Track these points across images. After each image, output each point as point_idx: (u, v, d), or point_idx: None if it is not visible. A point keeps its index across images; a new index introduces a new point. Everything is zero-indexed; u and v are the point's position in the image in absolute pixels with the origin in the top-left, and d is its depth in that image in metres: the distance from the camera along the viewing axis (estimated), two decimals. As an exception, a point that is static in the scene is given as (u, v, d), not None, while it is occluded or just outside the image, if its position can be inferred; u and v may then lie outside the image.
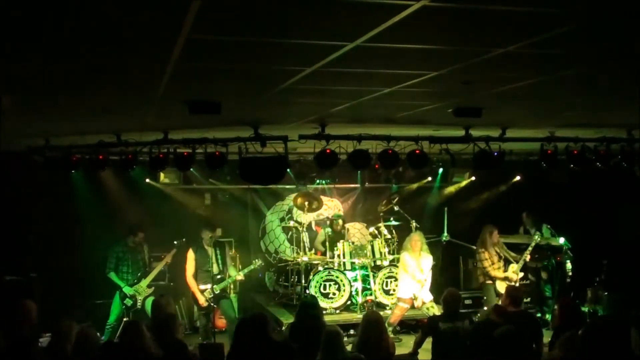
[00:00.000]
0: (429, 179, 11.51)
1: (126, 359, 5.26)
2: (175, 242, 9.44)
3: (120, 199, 10.08)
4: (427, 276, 8.88)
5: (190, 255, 8.74)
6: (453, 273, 10.91)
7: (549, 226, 10.47)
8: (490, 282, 9.08)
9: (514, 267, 9.12)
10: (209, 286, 8.63)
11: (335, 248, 10.23)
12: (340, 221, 10.85)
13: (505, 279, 8.94)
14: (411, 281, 8.79)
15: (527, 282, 10.26)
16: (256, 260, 9.48)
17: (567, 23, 3.19)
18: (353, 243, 10.66)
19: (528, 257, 9.29)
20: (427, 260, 8.96)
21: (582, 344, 4.75)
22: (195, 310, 10.34)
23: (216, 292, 8.64)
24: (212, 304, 8.62)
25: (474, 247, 9.53)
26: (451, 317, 6.56)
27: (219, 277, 8.75)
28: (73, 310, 6.65)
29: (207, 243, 8.81)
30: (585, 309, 9.60)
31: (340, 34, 3.40)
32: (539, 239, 9.52)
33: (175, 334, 5.65)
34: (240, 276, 9.01)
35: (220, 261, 8.80)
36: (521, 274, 9.22)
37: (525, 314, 7.13)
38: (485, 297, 9.34)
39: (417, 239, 8.98)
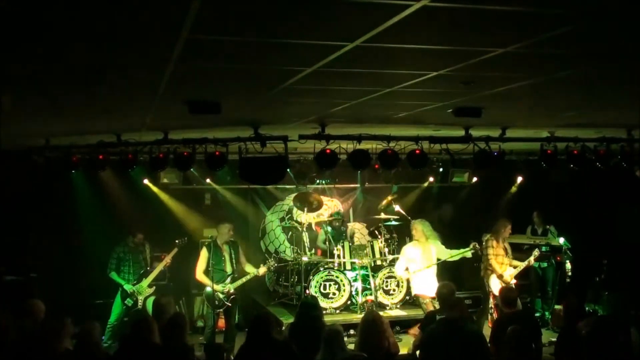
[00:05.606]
0: (431, 179, 11.49)
1: (141, 353, 5.28)
2: (177, 242, 9.38)
3: (120, 198, 10.08)
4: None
5: (204, 252, 8.69)
6: (452, 273, 10.89)
7: (553, 227, 10.48)
8: (490, 272, 8.93)
9: (511, 270, 9.01)
10: (224, 285, 8.62)
11: (336, 248, 10.23)
12: (339, 218, 10.83)
13: (501, 276, 8.80)
14: (424, 273, 8.59)
15: (527, 282, 10.25)
16: (269, 260, 9.48)
17: (567, 23, 3.19)
18: (353, 243, 10.67)
19: (532, 260, 9.09)
20: (434, 248, 8.84)
21: (584, 345, 4.77)
22: (195, 311, 10.36)
23: (231, 292, 8.64)
24: (227, 303, 8.63)
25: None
26: (448, 311, 6.52)
27: (232, 276, 8.73)
28: (73, 311, 6.62)
29: (224, 240, 8.75)
30: (585, 308, 9.57)
31: (340, 34, 3.40)
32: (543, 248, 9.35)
33: (185, 336, 5.65)
34: (263, 269, 8.90)
35: (234, 260, 8.77)
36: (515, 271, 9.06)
37: (521, 313, 7.11)
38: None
39: (418, 228, 8.82)
